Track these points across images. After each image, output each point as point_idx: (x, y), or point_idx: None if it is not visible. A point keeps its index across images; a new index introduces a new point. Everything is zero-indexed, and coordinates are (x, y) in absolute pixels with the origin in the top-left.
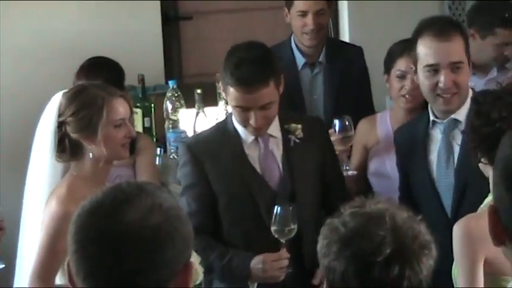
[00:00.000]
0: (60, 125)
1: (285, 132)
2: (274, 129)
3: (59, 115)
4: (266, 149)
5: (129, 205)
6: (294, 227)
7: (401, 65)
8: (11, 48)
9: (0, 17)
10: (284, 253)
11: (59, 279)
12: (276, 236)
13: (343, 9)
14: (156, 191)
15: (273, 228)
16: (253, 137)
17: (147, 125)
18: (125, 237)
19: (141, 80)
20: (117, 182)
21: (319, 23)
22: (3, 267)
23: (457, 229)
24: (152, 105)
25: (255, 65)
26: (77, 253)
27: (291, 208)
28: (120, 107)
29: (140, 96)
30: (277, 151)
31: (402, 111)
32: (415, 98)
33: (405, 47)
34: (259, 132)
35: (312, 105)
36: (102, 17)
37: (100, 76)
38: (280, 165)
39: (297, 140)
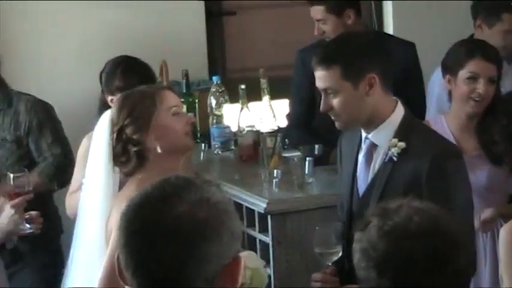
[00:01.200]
0: (119, 132)
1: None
2: (381, 138)
3: (114, 125)
4: (366, 155)
5: (177, 198)
6: (338, 249)
7: (473, 66)
8: (64, 48)
9: (48, 20)
10: (329, 277)
11: None
12: (320, 258)
13: (388, 9)
14: (205, 184)
15: (315, 251)
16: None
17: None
18: (173, 231)
19: (185, 75)
20: (167, 176)
21: (322, 29)
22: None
23: (504, 233)
24: (196, 100)
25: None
26: (125, 247)
27: (334, 228)
28: (171, 96)
29: (184, 91)
30: (376, 161)
31: (465, 116)
32: (485, 101)
33: (475, 48)
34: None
35: None
36: (146, 13)
37: (133, 79)
38: (370, 176)
39: (394, 158)
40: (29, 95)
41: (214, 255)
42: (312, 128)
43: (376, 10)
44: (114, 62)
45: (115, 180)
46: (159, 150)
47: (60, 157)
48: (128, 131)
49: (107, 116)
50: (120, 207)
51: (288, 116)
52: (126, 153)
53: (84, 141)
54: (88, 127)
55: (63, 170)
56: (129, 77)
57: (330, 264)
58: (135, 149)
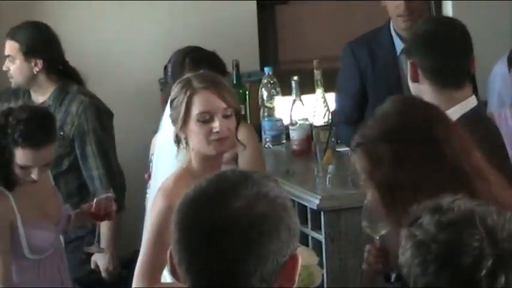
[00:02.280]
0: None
1: None
2: None
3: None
4: None
5: (234, 193)
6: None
7: None
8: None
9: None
10: (373, 250)
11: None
12: (368, 232)
13: (448, 9)
14: (262, 179)
15: (363, 223)
16: None
17: (241, 113)
18: (229, 227)
19: (236, 66)
20: (222, 170)
21: (410, 6)
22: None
23: None
24: (247, 92)
25: None
26: (180, 243)
27: None
28: (204, 100)
29: (235, 82)
30: None
31: None
32: None
33: None
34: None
35: (410, 93)
36: (197, 3)
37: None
38: None
39: None
40: (88, 95)
41: (271, 253)
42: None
43: (436, 10)
44: (182, 52)
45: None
46: (190, 148)
47: (106, 179)
48: (173, 123)
49: None
50: (156, 200)
51: (335, 113)
52: (177, 142)
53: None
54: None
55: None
56: (198, 67)
57: (378, 238)
58: (181, 140)
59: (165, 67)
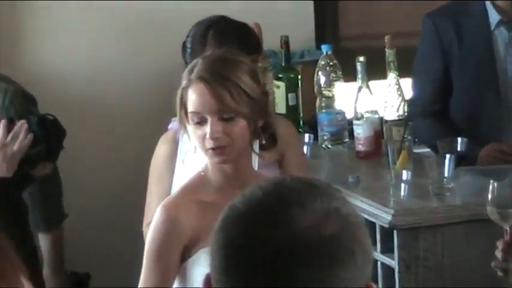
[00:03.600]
0: None
1: None
2: None
3: None
4: None
5: (299, 207)
6: None
7: None
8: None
9: None
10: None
11: None
12: (496, 220)
13: None
14: (331, 190)
15: (489, 210)
16: None
17: (291, 102)
18: (294, 250)
19: (285, 43)
20: (279, 176)
21: None
22: None
23: None
24: (299, 77)
25: None
26: (226, 271)
27: None
28: (198, 96)
29: (283, 64)
30: None
31: None
32: None
33: None
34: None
35: (507, 76)
36: None
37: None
38: None
39: None
40: (12, 83)
41: (344, 281)
42: (447, 118)
43: None
44: (204, 23)
45: None
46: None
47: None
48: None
49: None
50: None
51: (412, 103)
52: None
53: (164, 145)
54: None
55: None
56: (224, 43)
57: (508, 228)
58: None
59: (184, 44)
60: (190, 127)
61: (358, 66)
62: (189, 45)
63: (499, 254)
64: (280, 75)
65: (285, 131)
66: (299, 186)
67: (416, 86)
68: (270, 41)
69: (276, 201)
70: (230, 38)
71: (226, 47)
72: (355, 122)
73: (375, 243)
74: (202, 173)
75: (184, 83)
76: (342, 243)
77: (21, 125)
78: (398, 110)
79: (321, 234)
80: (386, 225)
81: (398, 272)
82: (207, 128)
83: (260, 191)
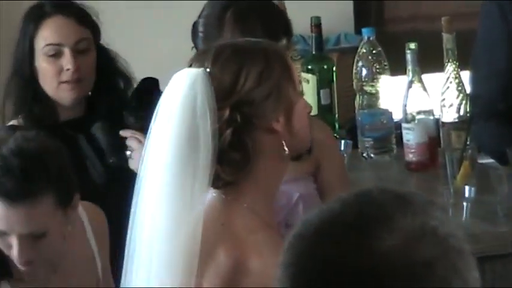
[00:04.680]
0: (236, 108)
1: None
2: None
3: (226, 95)
4: None
5: (387, 225)
6: None
7: None
8: None
9: None
10: None
11: None
12: None
13: None
14: (428, 206)
15: None
16: None
17: (324, 101)
18: (376, 275)
19: (316, 26)
20: (365, 188)
21: None
22: None
23: None
24: (334, 68)
25: None
26: None
27: None
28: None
29: (314, 53)
30: None
31: None
32: None
33: None
34: None
35: None
36: None
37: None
38: None
39: None
40: None
41: None
42: None
43: None
44: (221, 3)
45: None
46: (286, 149)
47: None
48: (253, 108)
49: (194, 78)
50: None
51: (474, 100)
52: (242, 147)
53: None
54: None
55: None
56: (245, 26)
57: None
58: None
59: (194, 26)
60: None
61: (409, 55)
62: (201, 29)
63: None
64: (310, 67)
65: (320, 136)
66: (387, 199)
67: (476, 81)
68: (297, 24)
69: (357, 216)
70: (252, 20)
71: (247, 32)
72: (404, 125)
73: None
74: (246, 201)
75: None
76: (437, 271)
77: None
78: (459, 111)
79: (412, 257)
80: None
81: None
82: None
83: (339, 204)
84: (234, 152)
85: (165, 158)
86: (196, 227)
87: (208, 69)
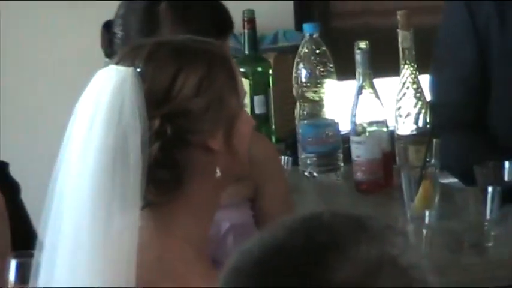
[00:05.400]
0: (167, 120)
1: None
2: None
3: (158, 104)
4: None
5: (338, 255)
6: None
7: None
8: None
9: None
10: None
11: None
12: None
13: None
14: (388, 232)
15: None
16: None
17: (259, 110)
18: None
19: (249, 22)
20: (313, 211)
21: None
22: None
23: None
24: (270, 71)
25: None
26: None
27: None
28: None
29: (246, 53)
30: None
31: None
32: None
33: None
34: None
35: None
36: None
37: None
38: None
39: None
40: None
41: None
42: (485, 131)
43: None
44: None
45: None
46: (218, 172)
47: None
48: (188, 121)
49: (123, 78)
50: None
51: (436, 109)
52: (171, 165)
53: None
54: None
55: None
56: (183, 22)
57: None
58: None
59: (106, 27)
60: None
61: (358, 56)
62: (118, 29)
63: None
64: (242, 69)
65: (260, 152)
66: (339, 224)
67: (439, 86)
68: None
69: (304, 244)
70: (191, 16)
71: (189, 27)
72: (353, 138)
73: None
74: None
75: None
76: None
77: None
78: (417, 121)
79: None
80: None
81: None
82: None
83: (282, 230)
84: (161, 170)
85: (86, 170)
86: (120, 251)
87: (139, 69)
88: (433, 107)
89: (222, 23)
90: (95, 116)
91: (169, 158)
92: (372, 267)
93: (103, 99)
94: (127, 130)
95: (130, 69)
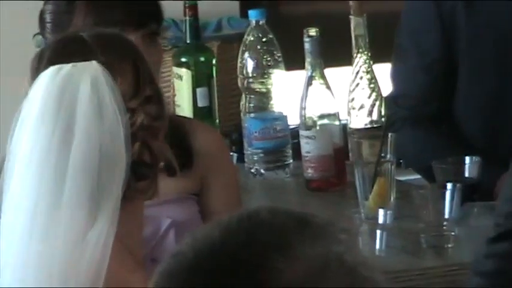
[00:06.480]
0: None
1: None
2: None
3: (129, 99)
4: None
5: (282, 254)
6: None
7: None
8: None
9: None
10: None
11: None
12: None
13: None
14: (332, 229)
15: None
16: None
17: (202, 103)
18: None
19: (190, 8)
20: (250, 209)
21: None
22: None
23: None
24: (213, 61)
25: None
26: None
27: None
28: None
29: (188, 42)
30: None
31: None
32: None
33: None
34: None
35: None
36: None
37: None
38: None
39: None
40: None
41: None
42: (448, 126)
43: None
44: None
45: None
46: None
47: None
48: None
49: (94, 74)
50: None
51: (394, 101)
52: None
53: None
54: None
55: None
56: (99, 10)
57: None
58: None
59: (41, 13)
60: None
61: (308, 44)
62: (48, 18)
63: None
64: (183, 59)
65: (206, 143)
66: (280, 222)
67: (401, 76)
68: (168, 5)
69: (244, 244)
70: (110, 6)
71: (103, 18)
72: (303, 133)
73: None
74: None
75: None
76: None
77: None
78: (371, 114)
79: None
80: None
81: None
82: None
83: (219, 230)
84: (143, 166)
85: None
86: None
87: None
88: (394, 99)
89: (140, 15)
90: (76, 125)
91: (147, 151)
92: (319, 266)
93: (80, 103)
94: (111, 128)
95: (95, 63)
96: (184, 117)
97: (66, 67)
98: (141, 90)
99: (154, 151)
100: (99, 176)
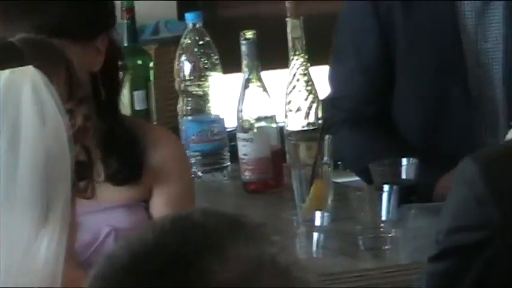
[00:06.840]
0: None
1: None
2: None
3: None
4: None
5: (215, 255)
6: None
7: None
8: None
9: None
10: None
11: None
12: None
13: None
14: (263, 231)
15: None
16: None
17: (139, 106)
18: None
19: (127, 11)
20: (182, 212)
21: None
22: None
23: None
24: (151, 64)
25: None
26: None
27: None
28: None
29: (125, 45)
30: None
31: None
32: None
33: None
34: None
35: (479, 60)
36: None
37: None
38: None
39: None
40: None
41: None
42: (386, 127)
43: None
44: None
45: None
46: None
47: None
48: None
49: (32, 79)
50: None
51: (331, 103)
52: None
53: None
54: None
55: None
56: (15, 15)
57: None
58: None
59: None
60: None
61: (244, 47)
62: None
63: None
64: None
65: (165, 158)
66: (213, 223)
67: (337, 78)
68: None
69: (178, 246)
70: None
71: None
72: (240, 135)
73: None
74: None
75: None
76: None
77: None
78: (308, 116)
79: None
80: None
81: None
82: None
83: (152, 232)
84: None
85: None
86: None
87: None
88: (332, 100)
89: (92, 18)
90: (15, 121)
91: (84, 151)
92: (251, 267)
93: (19, 103)
94: (55, 130)
95: (31, 68)
96: (148, 124)
97: (5, 73)
98: (74, 92)
99: (90, 151)
100: (48, 177)
